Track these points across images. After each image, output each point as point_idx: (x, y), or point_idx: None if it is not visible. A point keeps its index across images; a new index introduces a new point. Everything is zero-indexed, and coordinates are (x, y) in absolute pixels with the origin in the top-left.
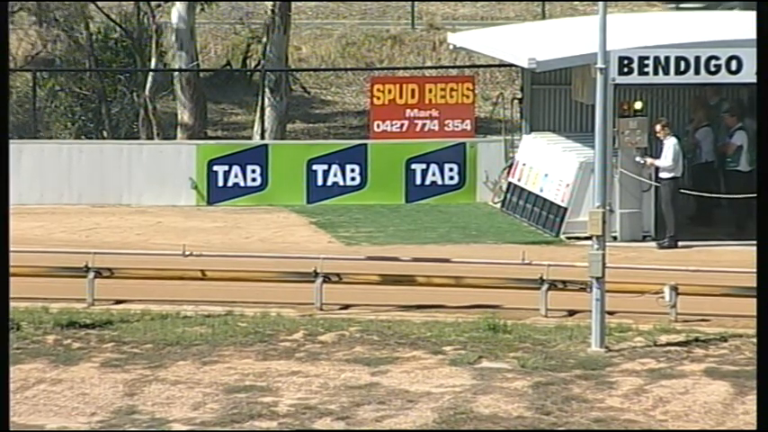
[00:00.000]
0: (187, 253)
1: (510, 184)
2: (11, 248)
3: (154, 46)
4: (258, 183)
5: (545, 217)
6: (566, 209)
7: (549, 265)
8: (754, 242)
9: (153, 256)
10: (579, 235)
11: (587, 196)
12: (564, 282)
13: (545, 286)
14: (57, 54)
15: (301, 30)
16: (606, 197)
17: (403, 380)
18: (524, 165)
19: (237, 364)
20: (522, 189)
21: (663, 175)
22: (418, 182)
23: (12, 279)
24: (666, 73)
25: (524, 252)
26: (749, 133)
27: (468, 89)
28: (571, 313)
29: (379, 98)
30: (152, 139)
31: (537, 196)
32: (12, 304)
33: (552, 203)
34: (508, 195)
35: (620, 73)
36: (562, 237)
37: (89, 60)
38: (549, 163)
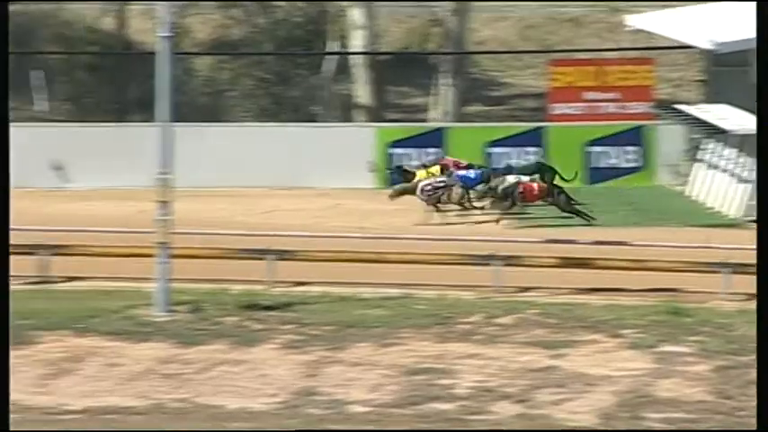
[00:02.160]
0: (366, 235)
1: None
2: (196, 231)
3: (334, 29)
4: None
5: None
6: None
7: (731, 248)
8: None
9: (331, 238)
10: None
11: None
12: (746, 265)
13: (727, 270)
14: (239, 38)
15: (481, 12)
16: None
17: (582, 363)
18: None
19: (416, 347)
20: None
21: None
22: (598, 164)
23: (195, 261)
24: None
25: (706, 235)
26: None
27: (647, 71)
28: (753, 297)
29: (558, 81)
30: (331, 121)
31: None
32: (194, 286)
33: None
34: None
35: None
36: (745, 219)
37: (270, 44)
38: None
